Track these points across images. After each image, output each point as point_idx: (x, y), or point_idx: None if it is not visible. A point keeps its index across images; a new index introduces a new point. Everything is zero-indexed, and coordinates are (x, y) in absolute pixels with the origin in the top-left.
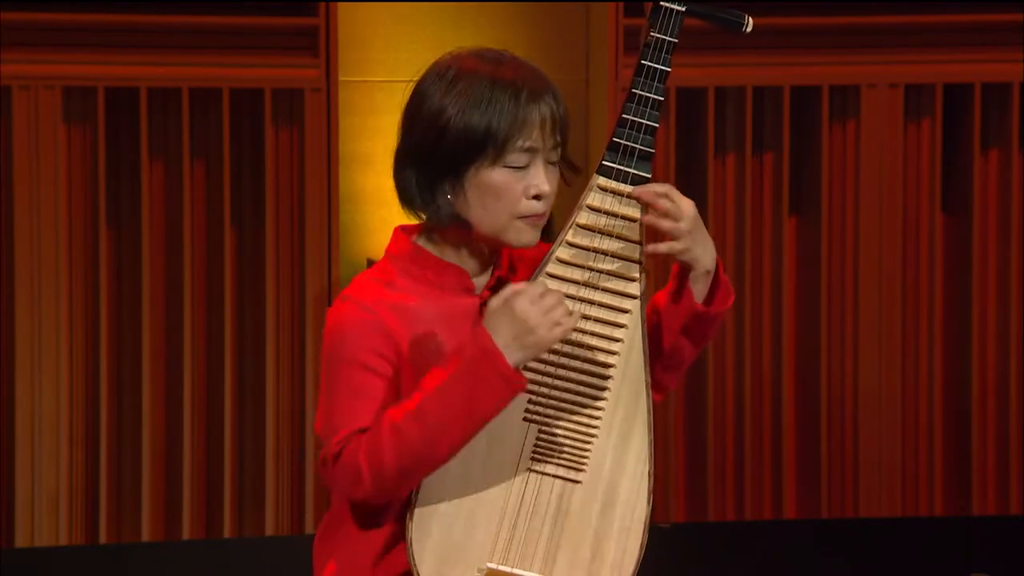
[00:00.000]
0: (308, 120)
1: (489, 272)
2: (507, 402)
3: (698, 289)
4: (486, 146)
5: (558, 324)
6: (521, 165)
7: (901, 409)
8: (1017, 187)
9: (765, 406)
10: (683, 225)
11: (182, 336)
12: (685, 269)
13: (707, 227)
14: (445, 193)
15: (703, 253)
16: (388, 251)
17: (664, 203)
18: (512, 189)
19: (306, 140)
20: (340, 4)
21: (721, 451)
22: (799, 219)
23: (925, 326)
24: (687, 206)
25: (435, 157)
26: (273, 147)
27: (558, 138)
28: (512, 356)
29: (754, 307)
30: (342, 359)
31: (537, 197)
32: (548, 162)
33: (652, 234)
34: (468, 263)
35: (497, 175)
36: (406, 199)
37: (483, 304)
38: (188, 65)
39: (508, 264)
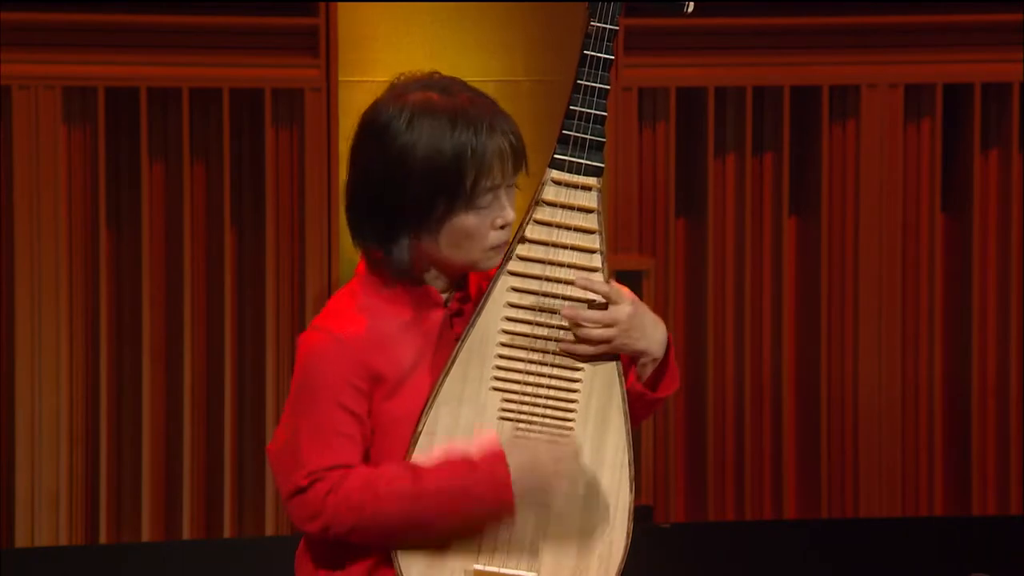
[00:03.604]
0: (308, 120)
1: (452, 286)
2: (486, 527)
3: (644, 372)
4: (456, 194)
5: (560, 481)
6: (487, 204)
7: (901, 409)
8: (1017, 187)
9: (765, 406)
10: (612, 332)
11: (182, 336)
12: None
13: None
14: (406, 241)
15: (648, 343)
16: (358, 272)
17: (595, 315)
18: (482, 227)
19: (306, 140)
20: (340, 4)
21: (721, 451)
22: (799, 219)
23: (925, 326)
24: (622, 309)
25: (399, 203)
26: (273, 147)
27: (517, 164)
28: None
29: (754, 307)
30: (316, 394)
31: (503, 227)
32: (508, 187)
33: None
34: (435, 281)
35: (469, 219)
36: (362, 241)
37: (452, 316)
38: (188, 65)
39: (476, 279)
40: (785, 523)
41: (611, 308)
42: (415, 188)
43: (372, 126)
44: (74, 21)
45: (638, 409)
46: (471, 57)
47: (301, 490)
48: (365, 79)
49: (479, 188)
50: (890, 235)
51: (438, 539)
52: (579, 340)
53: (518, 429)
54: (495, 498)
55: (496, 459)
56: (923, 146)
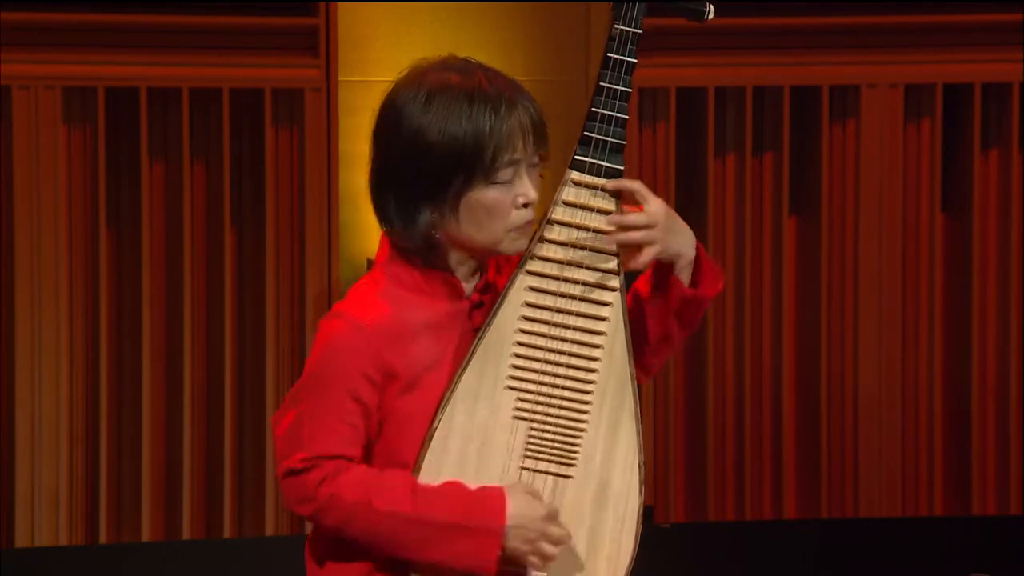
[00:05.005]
0: (308, 120)
1: (477, 274)
2: (461, 570)
3: (683, 277)
4: (475, 167)
5: (542, 556)
6: (508, 179)
7: (901, 409)
8: (1017, 187)
9: (765, 406)
10: (655, 233)
11: (182, 336)
12: (668, 262)
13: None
14: (426, 215)
15: (682, 246)
16: (377, 258)
17: (634, 218)
18: (504, 203)
19: (306, 140)
20: (340, 4)
21: (721, 451)
22: (799, 219)
23: (925, 327)
24: (655, 207)
25: (417, 179)
26: (273, 147)
27: (538, 142)
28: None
29: (754, 307)
30: (328, 380)
31: (526, 205)
32: (531, 167)
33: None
34: (456, 268)
35: (489, 193)
36: (384, 219)
37: (473, 307)
38: (188, 65)
39: (495, 266)
40: (785, 523)
41: (646, 208)
42: (433, 163)
43: (391, 106)
44: (74, 21)
45: (688, 315)
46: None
47: (295, 472)
48: (365, 79)
49: (499, 161)
50: (890, 235)
51: (412, 563)
52: (625, 248)
53: (531, 430)
54: (481, 546)
55: (496, 504)
56: (923, 146)
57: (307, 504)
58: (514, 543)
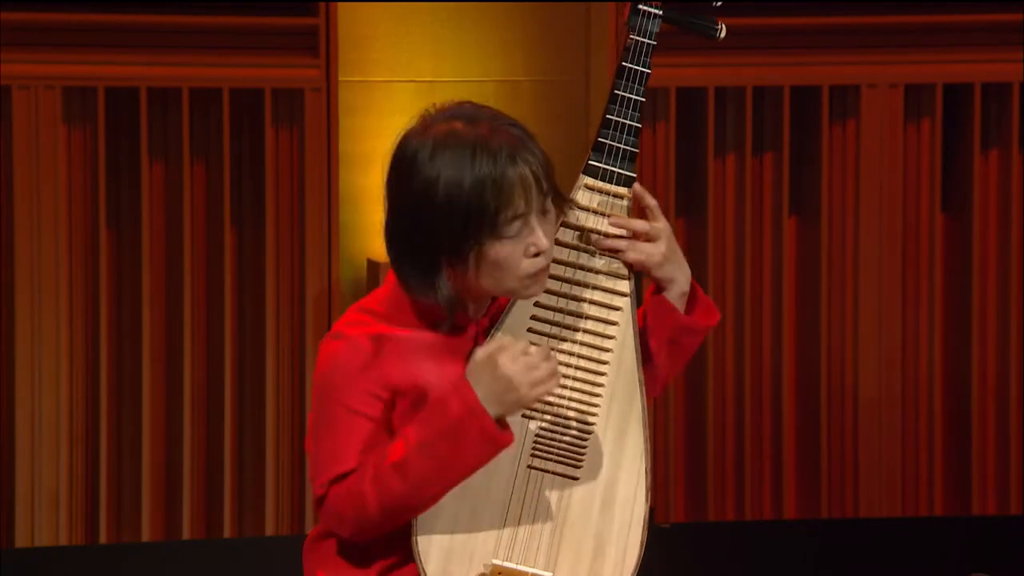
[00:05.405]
0: (308, 120)
1: (485, 307)
2: (491, 458)
3: (679, 307)
4: (481, 223)
5: (540, 383)
6: (515, 233)
7: (901, 409)
8: (1017, 187)
9: (765, 406)
10: (652, 248)
11: (182, 336)
12: (659, 288)
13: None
14: (440, 268)
15: (678, 273)
16: (388, 280)
17: (642, 224)
18: (515, 256)
19: (306, 140)
20: (340, 4)
21: (721, 451)
22: (799, 219)
23: (925, 326)
24: (663, 226)
25: (428, 234)
26: (273, 147)
27: (544, 190)
28: (492, 411)
29: (754, 307)
30: (330, 401)
31: (537, 254)
32: (541, 214)
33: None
34: (465, 304)
35: (498, 248)
36: (398, 271)
37: (481, 332)
38: (188, 65)
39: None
40: (785, 523)
41: (653, 225)
42: (441, 221)
43: (400, 160)
44: (74, 21)
45: (682, 345)
46: (471, 57)
47: (321, 499)
48: (365, 79)
49: (503, 218)
50: (890, 235)
51: (457, 483)
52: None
53: (539, 429)
54: (477, 427)
55: (462, 389)
56: (923, 146)
57: (344, 526)
58: (505, 406)
